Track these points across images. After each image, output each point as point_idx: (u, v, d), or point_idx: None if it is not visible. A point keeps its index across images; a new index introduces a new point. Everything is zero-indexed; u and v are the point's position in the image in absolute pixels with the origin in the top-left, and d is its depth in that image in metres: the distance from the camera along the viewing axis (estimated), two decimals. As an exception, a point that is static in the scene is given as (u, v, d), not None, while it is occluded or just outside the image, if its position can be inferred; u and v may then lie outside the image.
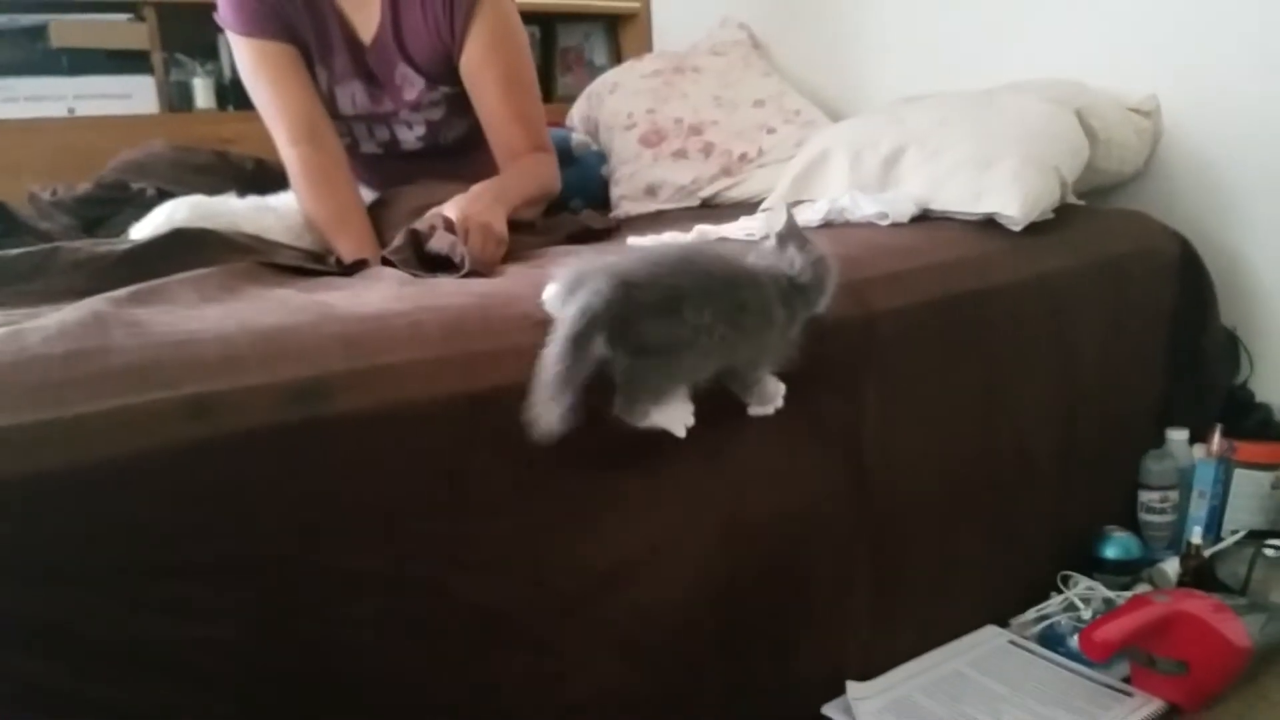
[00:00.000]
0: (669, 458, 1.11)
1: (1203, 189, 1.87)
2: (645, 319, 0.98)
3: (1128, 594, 1.55)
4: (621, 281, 0.97)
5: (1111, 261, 1.63)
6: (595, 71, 2.87)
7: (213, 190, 1.74)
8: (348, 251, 1.58)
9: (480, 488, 1.00)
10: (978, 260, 1.46)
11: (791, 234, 1.14)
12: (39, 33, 2.37)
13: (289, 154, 1.73)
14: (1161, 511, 1.73)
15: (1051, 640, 1.50)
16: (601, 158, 2.41)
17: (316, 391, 0.93)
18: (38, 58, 2.37)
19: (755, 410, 1.16)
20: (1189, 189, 1.89)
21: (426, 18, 1.72)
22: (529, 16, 2.89)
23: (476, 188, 1.57)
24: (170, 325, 1.00)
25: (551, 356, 0.93)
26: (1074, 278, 1.55)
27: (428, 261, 1.37)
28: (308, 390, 0.93)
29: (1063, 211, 1.65)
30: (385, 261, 1.38)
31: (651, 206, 2.23)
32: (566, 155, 2.29)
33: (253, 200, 1.69)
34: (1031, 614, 1.55)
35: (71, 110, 2.38)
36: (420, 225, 1.43)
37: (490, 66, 1.74)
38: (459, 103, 1.81)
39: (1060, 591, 1.57)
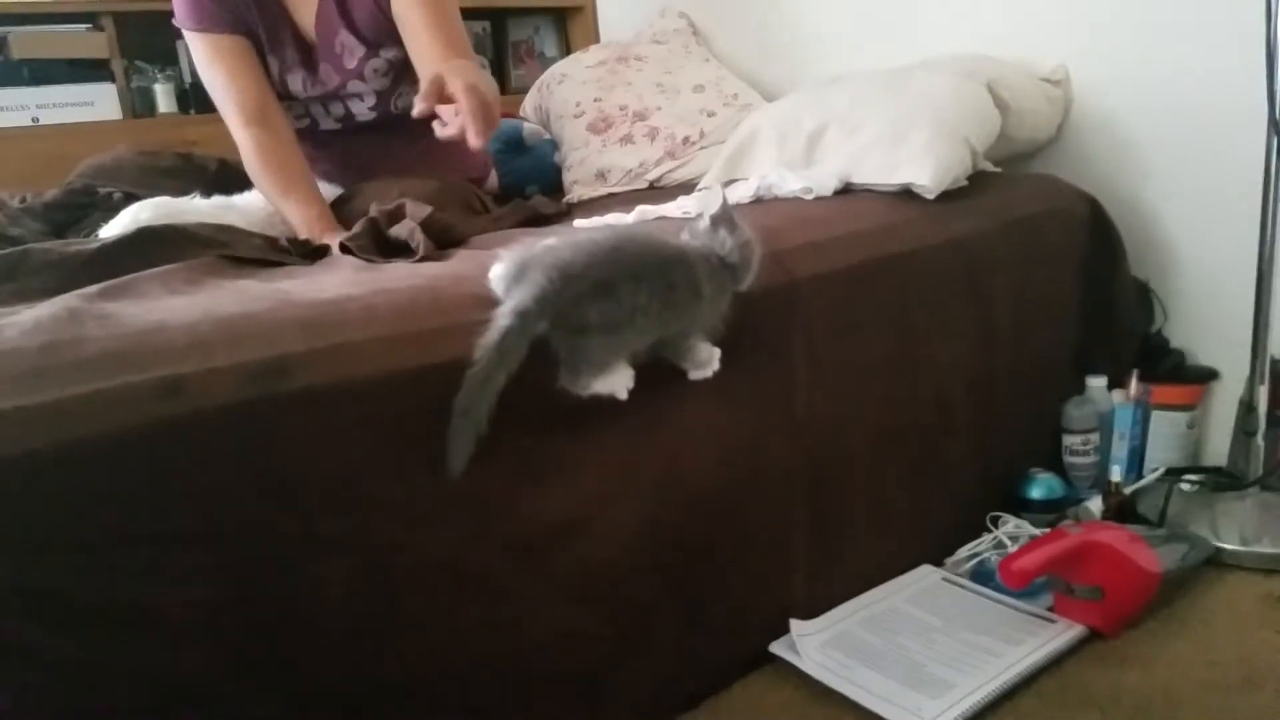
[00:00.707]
0: (610, 420, 1.20)
1: (1114, 152, 1.97)
2: (584, 304, 1.09)
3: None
4: (560, 273, 1.09)
5: (1022, 222, 1.73)
6: (546, 63, 2.94)
7: (178, 192, 1.83)
8: (296, 215, 1.70)
9: (428, 453, 1.07)
10: (892, 227, 1.56)
11: (724, 217, 1.26)
12: (-2, 46, 2.42)
13: (241, 136, 1.83)
14: (1084, 454, 1.84)
15: (982, 576, 1.59)
16: (554, 145, 2.49)
17: (278, 370, 1.02)
18: (-1, 70, 2.42)
19: (695, 375, 1.28)
20: (1101, 152, 1.99)
21: None
22: (480, 12, 3.01)
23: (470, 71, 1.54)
24: (139, 316, 1.09)
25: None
26: (985, 239, 1.65)
27: (385, 248, 1.45)
28: (269, 369, 1.02)
29: (977, 178, 1.75)
30: (344, 249, 1.46)
31: (602, 190, 2.30)
32: (519, 144, 2.38)
33: (217, 200, 1.77)
34: (963, 552, 1.65)
35: (35, 120, 2.42)
36: (383, 208, 1.51)
37: (416, 4, 1.78)
38: (404, 69, 1.88)
39: (990, 531, 1.67)
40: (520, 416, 1.09)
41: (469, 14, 2.93)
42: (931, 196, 1.63)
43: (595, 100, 2.43)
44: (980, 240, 1.64)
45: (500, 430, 1.07)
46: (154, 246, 1.41)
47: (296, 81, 1.91)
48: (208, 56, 1.83)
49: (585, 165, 2.35)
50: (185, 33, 1.85)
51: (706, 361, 1.27)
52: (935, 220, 1.62)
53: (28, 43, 2.43)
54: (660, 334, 1.19)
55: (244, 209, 1.75)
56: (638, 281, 1.12)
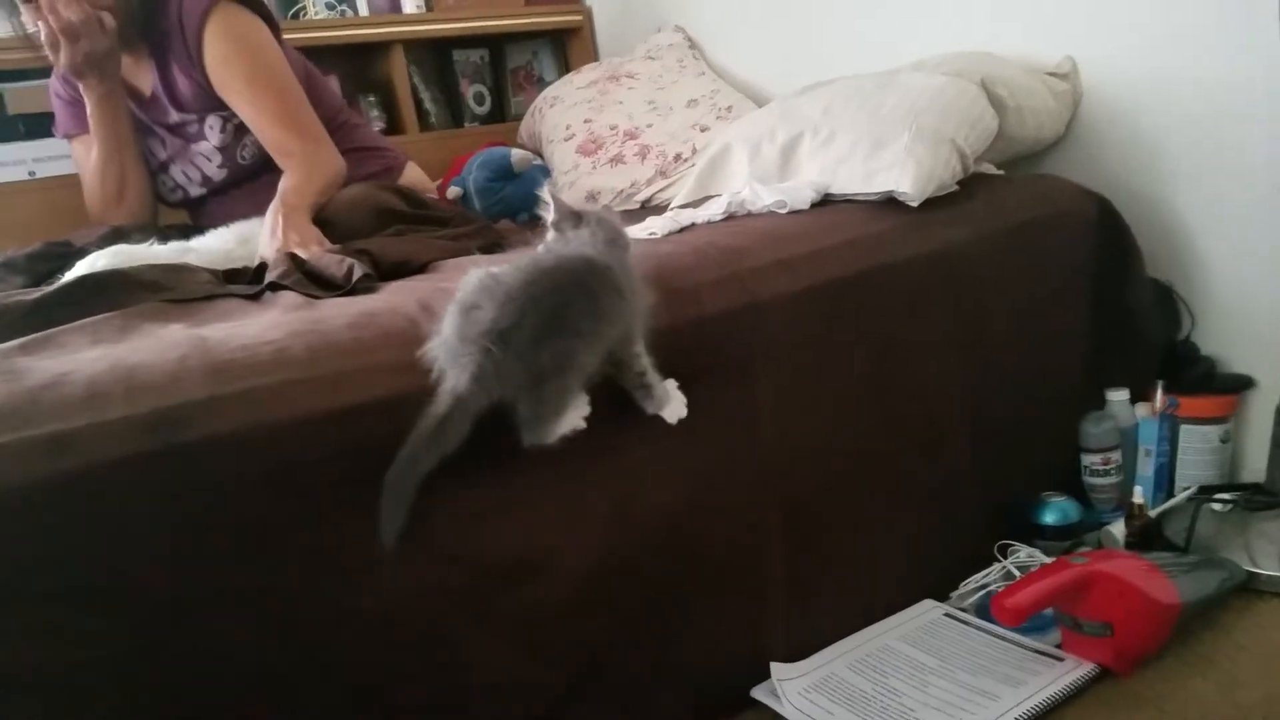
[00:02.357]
0: (556, 454, 1.12)
1: (1131, 147, 1.85)
2: (535, 352, 1.03)
3: (1066, 557, 1.55)
4: (497, 338, 1.01)
5: (1020, 227, 1.63)
6: (546, 87, 2.88)
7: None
8: None
9: (350, 498, 1.02)
10: (867, 240, 1.47)
11: (562, 215, 1.21)
12: (-6, 102, 2.43)
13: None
14: (1105, 473, 1.72)
15: (988, 610, 1.46)
16: (545, 171, 2.44)
17: (175, 420, 0.97)
18: (-6, 125, 2.43)
19: (668, 416, 1.21)
20: (1117, 149, 1.87)
21: (177, 58, 1.87)
22: (477, 39, 2.97)
23: (270, 216, 1.72)
24: (45, 370, 1.05)
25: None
26: (976, 247, 1.56)
27: (323, 281, 1.43)
28: (167, 420, 0.96)
29: (971, 183, 1.65)
30: (277, 287, 1.42)
31: None
32: (508, 172, 2.33)
33: (174, 245, 1.74)
34: (969, 584, 1.55)
35: (32, 173, 2.42)
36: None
37: (231, 78, 1.85)
38: (240, 125, 1.92)
39: (999, 561, 1.56)
40: (451, 461, 1.03)
41: (466, 42, 2.96)
42: (914, 204, 1.54)
43: (585, 121, 2.39)
44: (970, 248, 1.55)
45: (437, 470, 1.02)
46: (94, 295, 1.38)
47: (149, 150, 2.02)
48: (77, 160, 2.06)
49: (575, 188, 2.31)
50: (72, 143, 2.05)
51: (665, 398, 1.20)
52: (919, 230, 1.53)
53: (23, 98, 2.43)
54: (607, 346, 1.12)
55: (202, 250, 1.72)
56: (567, 305, 1.06)
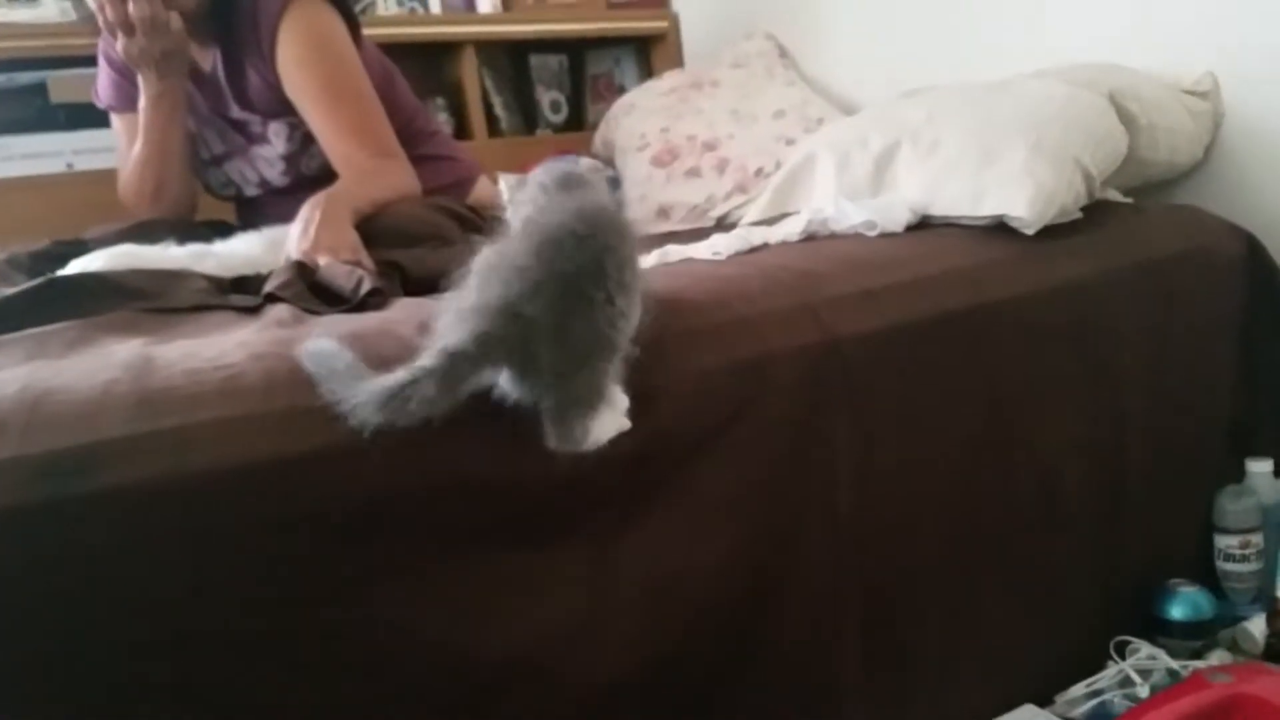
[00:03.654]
0: (569, 524, 0.95)
1: (1278, 178, 1.64)
2: (563, 320, 0.86)
3: (1199, 664, 1.34)
4: (507, 309, 0.84)
5: (1154, 265, 1.41)
6: (625, 95, 2.74)
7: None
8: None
9: (300, 574, 0.82)
10: (973, 271, 1.26)
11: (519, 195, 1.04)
12: (37, 89, 2.32)
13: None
14: (1243, 559, 1.51)
15: None
16: (616, 183, 2.29)
17: (80, 462, 0.77)
18: (35, 114, 2.32)
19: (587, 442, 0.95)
20: (1261, 178, 1.66)
21: (249, 54, 1.72)
22: (557, 44, 2.84)
23: (306, 209, 1.51)
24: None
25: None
26: (1101, 287, 1.34)
27: (327, 294, 1.26)
28: (67, 462, 0.77)
29: (1095, 211, 1.44)
30: (273, 299, 1.25)
31: (664, 229, 2.10)
32: (575, 183, 2.16)
33: (193, 248, 1.56)
34: (1079, 689, 1.34)
35: (70, 165, 2.32)
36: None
37: (306, 84, 1.69)
38: (308, 133, 1.77)
39: (1115, 661, 1.36)
40: (435, 526, 0.86)
41: (546, 47, 2.84)
42: (1031, 231, 1.33)
43: (662, 130, 2.23)
44: (1096, 287, 1.33)
45: (404, 548, 0.85)
46: (62, 300, 1.21)
47: (203, 142, 1.87)
48: (119, 132, 1.89)
49: (646, 202, 2.17)
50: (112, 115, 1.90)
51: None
52: (1036, 262, 1.31)
53: (66, 86, 2.33)
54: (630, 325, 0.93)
55: (224, 255, 1.54)
56: (600, 266, 0.88)
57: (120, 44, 1.65)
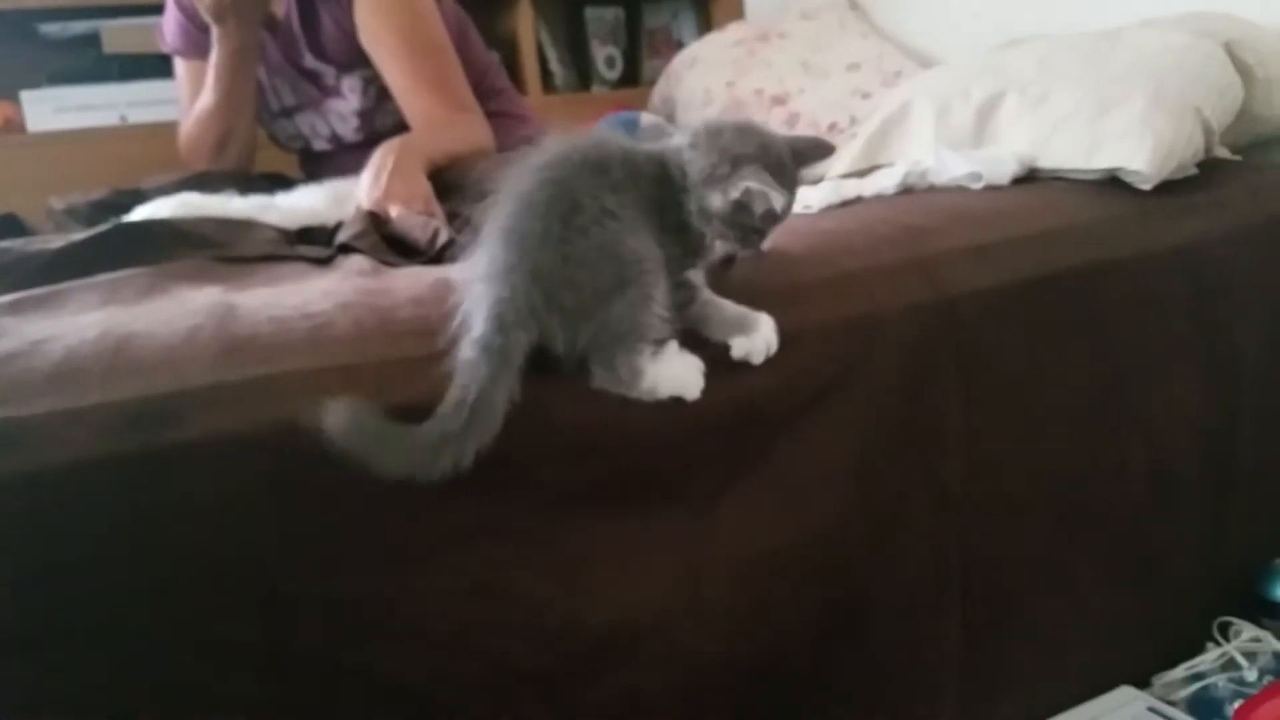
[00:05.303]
0: (664, 490, 0.89)
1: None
2: (566, 252, 0.80)
3: (1310, 647, 1.26)
4: (507, 265, 0.80)
5: (1277, 224, 1.31)
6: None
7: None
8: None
9: (393, 533, 0.77)
10: (1092, 227, 1.17)
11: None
12: (91, 40, 2.28)
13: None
14: None
15: (1204, 707, 1.23)
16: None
17: (164, 412, 0.72)
18: (89, 65, 2.29)
19: (736, 351, 0.89)
20: None
21: (326, 2, 1.67)
22: None
23: (378, 156, 1.46)
24: (20, 335, 0.82)
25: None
26: (1227, 248, 1.24)
27: (402, 245, 1.21)
28: (151, 410, 0.72)
29: (1209, 167, 1.34)
30: (347, 249, 1.20)
31: None
32: (636, 140, 2.08)
33: (255, 199, 1.51)
34: (1180, 671, 1.27)
35: (124, 118, 2.28)
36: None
37: (384, 35, 1.64)
38: (383, 87, 1.71)
39: (1218, 643, 1.29)
40: (545, 485, 0.82)
41: (599, 0, 2.72)
42: (1148, 187, 1.23)
43: (727, 85, 2.12)
44: (1218, 249, 1.23)
45: (500, 509, 0.80)
46: (129, 246, 1.16)
47: (272, 92, 1.81)
48: (182, 79, 1.85)
49: None
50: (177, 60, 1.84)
51: (740, 323, 0.89)
52: (1153, 219, 1.22)
53: (120, 37, 2.29)
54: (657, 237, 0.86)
55: (287, 209, 1.48)
56: (575, 186, 0.83)
57: None
